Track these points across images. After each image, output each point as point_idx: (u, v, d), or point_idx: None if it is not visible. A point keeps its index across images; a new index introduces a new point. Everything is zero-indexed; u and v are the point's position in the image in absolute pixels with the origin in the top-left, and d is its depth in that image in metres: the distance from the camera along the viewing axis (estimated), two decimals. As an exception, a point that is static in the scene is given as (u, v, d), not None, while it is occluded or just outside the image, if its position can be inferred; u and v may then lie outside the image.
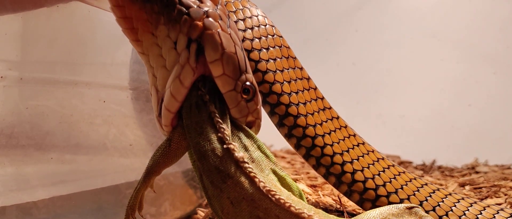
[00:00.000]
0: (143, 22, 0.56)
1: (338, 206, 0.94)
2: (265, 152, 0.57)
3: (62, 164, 0.76)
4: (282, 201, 0.50)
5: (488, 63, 1.87)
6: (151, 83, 0.59)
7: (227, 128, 0.53)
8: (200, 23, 0.54)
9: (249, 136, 0.57)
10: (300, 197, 0.56)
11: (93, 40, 0.81)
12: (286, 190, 0.54)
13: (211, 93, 0.55)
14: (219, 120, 0.53)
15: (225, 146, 0.52)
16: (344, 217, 0.83)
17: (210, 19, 0.54)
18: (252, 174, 0.51)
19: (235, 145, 0.52)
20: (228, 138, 0.52)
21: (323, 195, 1.01)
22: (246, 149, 0.55)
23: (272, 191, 0.50)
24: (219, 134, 0.53)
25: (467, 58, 1.89)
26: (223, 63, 0.54)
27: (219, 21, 0.55)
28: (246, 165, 0.51)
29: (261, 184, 0.50)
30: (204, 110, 0.54)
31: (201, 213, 0.97)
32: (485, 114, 1.84)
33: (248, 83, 0.56)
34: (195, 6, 0.55)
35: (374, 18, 2.04)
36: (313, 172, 1.29)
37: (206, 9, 0.55)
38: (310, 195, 1.01)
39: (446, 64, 1.92)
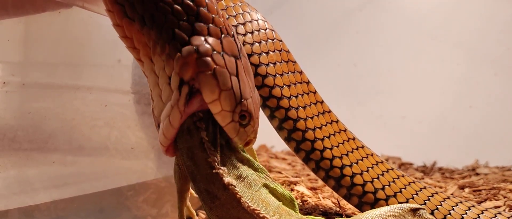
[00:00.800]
0: (143, 45, 0.56)
1: (338, 209, 0.94)
2: (256, 168, 0.59)
3: (64, 167, 0.77)
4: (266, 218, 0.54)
5: (489, 64, 1.86)
6: (151, 99, 0.59)
7: (217, 154, 0.55)
8: (192, 66, 0.53)
9: (240, 156, 0.59)
10: (292, 204, 0.59)
11: (95, 45, 0.82)
12: (276, 202, 0.57)
13: (205, 120, 0.56)
14: (210, 146, 0.55)
15: (214, 171, 0.54)
16: (343, 220, 0.83)
17: (203, 58, 0.53)
18: (238, 196, 0.53)
19: (223, 170, 0.54)
20: (216, 164, 0.54)
21: (323, 197, 1.02)
22: (236, 168, 0.57)
23: (257, 210, 0.53)
24: (209, 159, 0.54)
25: (468, 60, 1.89)
26: (221, 102, 0.54)
27: (213, 55, 0.53)
28: (233, 187, 0.54)
29: (246, 205, 0.53)
30: (195, 135, 0.55)
31: (202, 215, 0.98)
32: (486, 116, 1.83)
33: (244, 109, 0.56)
34: (188, 40, 0.53)
35: (375, 19, 2.04)
36: (313, 174, 1.29)
37: (196, 44, 0.53)
38: (310, 197, 1.01)
39: (447, 65, 1.92)
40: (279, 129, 0.78)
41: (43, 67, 0.73)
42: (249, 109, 0.56)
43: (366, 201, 0.77)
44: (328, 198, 1.02)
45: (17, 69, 0.68)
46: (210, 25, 0.55)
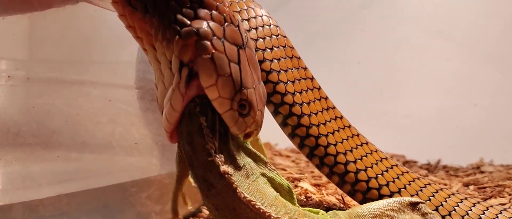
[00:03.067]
0: (145, 34, 0.56)
1: (342, 205, 0.94)
2: (255, 157, 0.59)
3: (68, 163, 0.77)
4: (261, 210, 0.53)
5: (494, 62, 1.86)
6: (155, 86, 0.60)
7: (215, 141, 0.54)
8: (191, 47, 0.52)
9: (240, 145, 0.58)
10: (290, 194, 0.59)
11: (99, 40, 0.82)
12: (274, 193, 0.57)
13: (205, 106, 0.55)
14: (208, 133, 0.54)
15: (210, 158, 0.53)
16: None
17: (203, 42, 0.53)
18: (234, 185, 0.53)
19: (220, 158, 0.54)
20: (213, 151, 0.54)
21: (327, 194, 1.02)
22: (234, 157, 0.56)
23: (252, 201, 0.53)
24: (207, 146, 0.54)
25: (473, 58, 1.89)
26: (218, 87, 0.53)
27: (212, 39, 0.53)
28: (229, 176, 0.53)
29: (242, 195, 0.53)
30: (195, 120, 0.54)
31: (205, 211, 0.98)
32: (490, 114, 1.83)
33: (243, 98, 0.55)
34: (189, 24, 0.53)
35: (379, 17, 2.04)
36: (317, 171, 1.29)
37: (197, 27, 0.53)
38: (314, 194, 1.01)
39: (451, 63, 1.92)
40: (283, 125, 0.78)
41: (48, 62, 0.73)
42: (250, 99, 0.55)
43: (370, 197, 0.77)
44: (332, 194, 1.02)
45: (21, 64, 0.69)
46: (214, 12, 0.55)
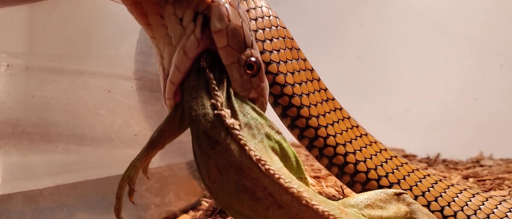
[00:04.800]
0: (152, 5, 0.56)
1: (341, 196, 0.94)
2: (262, 117, 0.55)
3: (68, 154, 0.77)
4: (271, 172, 0.48)
5: (494, 57, 1.86)
6: (159, 63, 0.59)
7: (221, 96, 0.52)
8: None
9: (244, 101, 0.55)
10: (297, 162, 0.55)
11: (99, 31, 0.82)
12: (280, 163, 0.52)
13: (213, 64, 0.54)
14: (215, 87, 0.52)
15: (216, 111, 0.50)
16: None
17: None
18: (242, 142, 0.48)
19: (226, 112, 0.50)
20: (220, 104, 0.51)
21: (326, 186, 1.02)
22: (239, 114, 0.52)
23: (263, 160, 0.48)
24: (213, 100, 0.51)
25: (473, 52, 1.89)
26: (228, 34, 0.53)
27: None
28: (237, 132, 0.49)
29: (252, 153, 0.48)
30: (202, 76, 0.53)
31: (205, 203, 0.98)
32: (490, 108, 1.83)
33: (253, 58, 0.55)
34: None
35: (379, 11, 2.04)
36: (317, 164, 1.29)
37: None
38: (313, 186, 1.01)
39: (452, 58, 1.92)
40: (282, 116, 0.78)
41: (47, 53, 0.73)
42: (259, 60, 0.55)
43: (370, 188, 0.77)
44: (331, 186, 1.02)
45: (21, 54, 0.68)
46: None
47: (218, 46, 0.54)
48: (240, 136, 0.49)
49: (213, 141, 0.50)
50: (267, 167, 0.48)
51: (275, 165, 0.50)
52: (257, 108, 0.55)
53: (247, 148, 0.48)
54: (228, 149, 0.49)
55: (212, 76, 0.53)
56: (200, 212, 0.96)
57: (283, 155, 0.54)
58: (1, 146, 0.64)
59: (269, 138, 0.53)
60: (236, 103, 0.53)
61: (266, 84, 0.58)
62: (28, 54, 0.70)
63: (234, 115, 0.52)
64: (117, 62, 0.86)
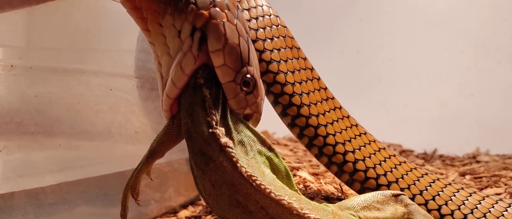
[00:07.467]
0: (151, 12, 0.57)
1: (340, 194, 0.95)
2: (254, 134, 0.56)
3: (69, 151, 0.78)
4: (262, 186, 0.50)
5: (492, 53, 1.86)
6: (157, 70, 0.60)
7: (216, 114, 0.53)
8: (206, 12, 0.53)
9: (239, 119, 0.57)
10: (287, 176, 0.57)
11: (100, 29, 0.82)
12: (271, 175, 0.55)
13: (210, 80, 0.55)
14: (211, 105, 0.53)
15: (210, 130, 0.52)
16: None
17: (216, 8, 0.54)
18: (234, 159, 0.51)
19: (220, 130, 0.52)
20: (214, 123, 0.52)
21: (325, 183, 1.02)
22: (233, 132, 0.54)
23: (253, 176, 0.50)
24: (208, 118, 0.53)
25: (471, 48, 1.89)
26: (225, 53, 0.54)
27: (226, 11, 0.55)
28: (230, 149, 0.51)
29: (243, 169, 0.51)
30: (198, 92, 0.54)
31: (202, 204, 0.99)
32: (488, 104, 1.84)
33: (248, 75, 0.55)
34: None
35: (377, 7, 2.04)
36: (315, 160, 1.30)
37: None
38: (312, 183, 1.02)
39: (449, 53, 1.92)
40: (283, 115, 0.79)
41: (48, 51, 0.74)
42: (255, 77, 0.56)
43: (368, 186, 0.78)
44: (330, 183, 1.03)
45: (22, 52, 0.69)
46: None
47: (214, 65, 0.54)
48: (232, 154, 0.51)
49: (207, 158, 0.52)
50: (258, 182, 0.50)
51: (266, 179, 0.53)
52: (250, 126, 0.57)
53: (239, 165, 0.51)
54: (221, 166, 0.51)
55: (208, 93, 0.54)
56: (200, 207, 0.97)
57: (273, 170, 0.56)
58: (4, 144, 0.65)
59: (261, 154, 0.56)
60: (231, 121, 0.55)
61: (260, 98, 0.59)
62: (30, 53, 0.70)
63: (228, 132, 0.54)
64: (118, 60, 0.86)
